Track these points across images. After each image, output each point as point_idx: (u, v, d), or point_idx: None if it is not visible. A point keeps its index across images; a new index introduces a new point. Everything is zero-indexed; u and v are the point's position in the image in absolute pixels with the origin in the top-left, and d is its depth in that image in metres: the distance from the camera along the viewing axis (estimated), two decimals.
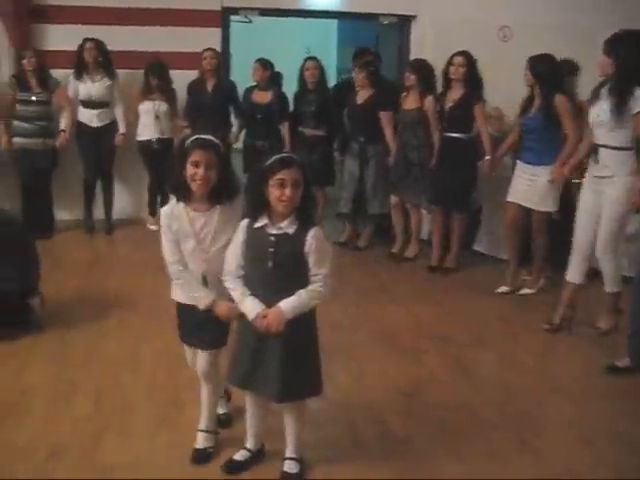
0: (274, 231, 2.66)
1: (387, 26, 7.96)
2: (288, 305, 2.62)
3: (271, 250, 2.63)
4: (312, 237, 2.63)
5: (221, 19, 7.12)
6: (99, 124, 6.61)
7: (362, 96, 6.26)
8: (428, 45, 7.21)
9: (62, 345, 4.23)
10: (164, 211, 2.87)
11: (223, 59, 7.01)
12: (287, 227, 2.65)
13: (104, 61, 6.51)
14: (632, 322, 3.98)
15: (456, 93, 5.65)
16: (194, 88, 6.72)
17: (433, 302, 5.26)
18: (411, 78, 5.93)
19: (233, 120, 6.83)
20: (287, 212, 2.63)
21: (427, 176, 5.93)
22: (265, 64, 6.54)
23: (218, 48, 6.97)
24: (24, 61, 6.37)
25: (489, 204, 6.14)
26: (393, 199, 6.25)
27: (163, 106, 6.63)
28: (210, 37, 6.96)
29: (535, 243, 5.33)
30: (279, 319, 2.61)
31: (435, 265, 6.00)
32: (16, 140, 6.41)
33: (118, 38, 6.62)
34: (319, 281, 2.65)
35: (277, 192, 2.59)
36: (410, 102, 6.00)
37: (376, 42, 8.41)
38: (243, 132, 6.78)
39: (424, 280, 5.84)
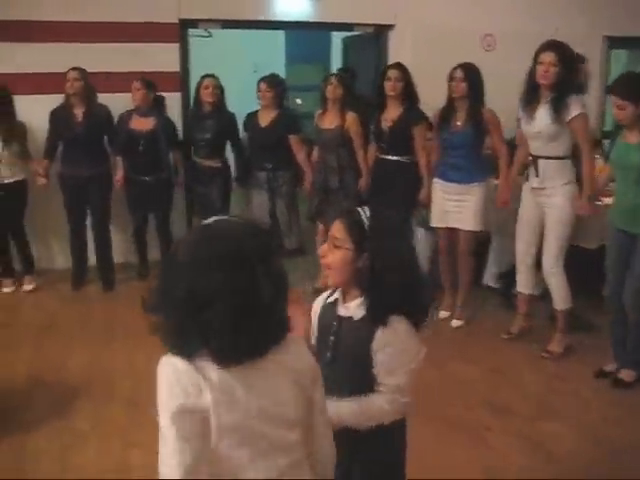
0: (342, 312, 1.99)
1: (354, 38, 7.28)
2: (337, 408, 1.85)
3: (332, 338, 1.98)
4: (386, 333, 1.88)
5: (179, 33, 6.17)
6: None
7: (265, 118, 5.56)
8: (407, 56, 6.51)
9: (20, 459, 3.20)
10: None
11: (181, 78, 6.10)
12: (354, 310, 1.95)
13: None
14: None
15: (394, 111, 5.06)
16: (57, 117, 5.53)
17: (461, 355, 4.48)
18: (332, 90, 5.28)
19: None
20: (331, 283, 1.99)
21: (353, 202, 5.21)
22: (148, 84, 5.58)
23: (176, 65, 6.08)
24: None
25: (498, 236, 5.45)
26: (319, 227, 5.45)
27: None
28: (166, 53, 6.04)
29: (461, 265, 4.98)
30: None
31: None
32: None
33: (62, 57, 5.60)
34: (385, 393, 1.91)
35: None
36: (329, 120, 5.34)
37: (344, 56, 7.67)
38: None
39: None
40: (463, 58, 4.92)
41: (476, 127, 4.66)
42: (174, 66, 6.09)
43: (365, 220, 1.93)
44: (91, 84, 5.44)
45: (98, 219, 5.64)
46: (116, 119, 5.61)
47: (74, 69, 5.37)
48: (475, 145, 4.75)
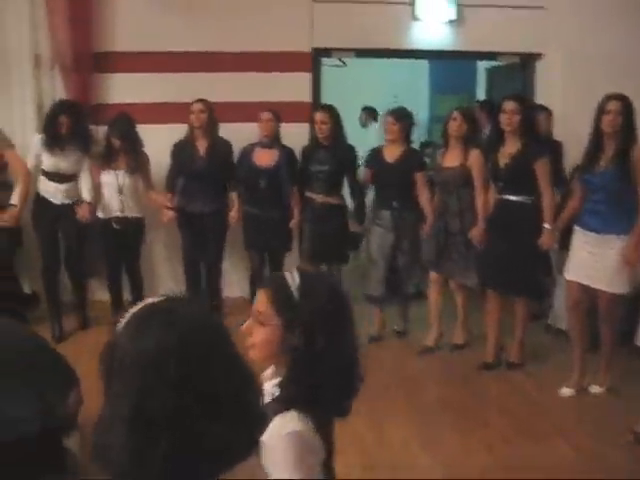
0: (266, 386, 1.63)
1: (499, 68, 6.85)
2: None
3: None
4: (275, 425, 1.49)
5: (311, 62, 5.96)
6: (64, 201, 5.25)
7: (392, 153, 5.10)
8: (556, 87, 5.97)
9: None
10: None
11: (312, 109, 5.74)
12: (271, 389, 1.61)
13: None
14: None
15: (511, 146, 4.52)
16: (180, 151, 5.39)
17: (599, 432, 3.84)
18: (455, 127, 4.84)
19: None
20: (257, 361, 1.58)
21: (474, 249, 4.85)
22: (276, 115, 5.30)
23: (306, 95, 5.86)
24: None
25: None
26: (432, 275, 5.05)
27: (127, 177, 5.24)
28: (297, 83, 5.84)
29: (603, 330, 4.35)
30: None
31: (491, 362, 4.79)
32: None
33: (189, 87, 5.53)
34: None
35: None
36: (450, 158, 4.88)
37: (489, 87, 7.19)
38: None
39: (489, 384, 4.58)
40: (627, 89, 4.33)
41: (622, 167, 4.03)
42: (304, 96, 5.87)
43: (294, 288, 1.55)
44: (215, 117, 5.29)
45: (212, 256, 5.45)
46: (237, 151, 5.42)
47: (199, 101, 5.25)
48: (619, 189, 4.10)
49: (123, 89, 5.73)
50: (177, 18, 5.63)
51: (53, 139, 5.10)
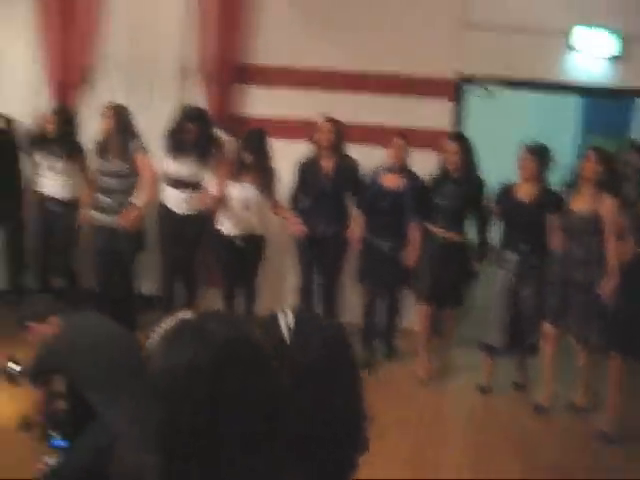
0: None
1: None
2: None
3: None
4: None
5: (455, 89, 5.70)
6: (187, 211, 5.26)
7: (526, 192, 4.68)
8: None
9: None
10: None
11: (463, 142, 5.21)
12: None
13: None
14: None
15: None
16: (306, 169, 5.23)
17: None
18: (589, 168, 4.38)
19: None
20: None
21: (598, 304, 4.38)
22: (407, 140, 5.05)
23: (446, 123, 5.59)
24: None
25: None
26: (547, 328, 4.62)
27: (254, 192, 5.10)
28: (437, 110, 5.59)
29: None
30: None
31: (610, 432, 4.25)
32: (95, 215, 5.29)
33: (320, 104, 5.41)
34: None
35: None
36: (581, 203, 4.49)
37: None
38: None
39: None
40: None
41: None
42: (443, 124, 5.58)
43: (285, 330, 1.27)
44: (343, 136, 5.14)
45: (329, 280, 5.27)
46: (361, 172, 5.23)
47: (328, 120, 5.11)
48: None
49: (259, 102, 5.74)
50: (322, 35, 5.59)
51: (177, 146, 5.14)
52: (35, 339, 3.27)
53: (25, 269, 5.69)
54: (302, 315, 1.33)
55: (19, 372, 3.27)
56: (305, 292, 5.34)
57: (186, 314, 1.09)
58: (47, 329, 3.25)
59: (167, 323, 1.09)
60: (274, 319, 1.31)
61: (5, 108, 5.36)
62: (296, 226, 5.14)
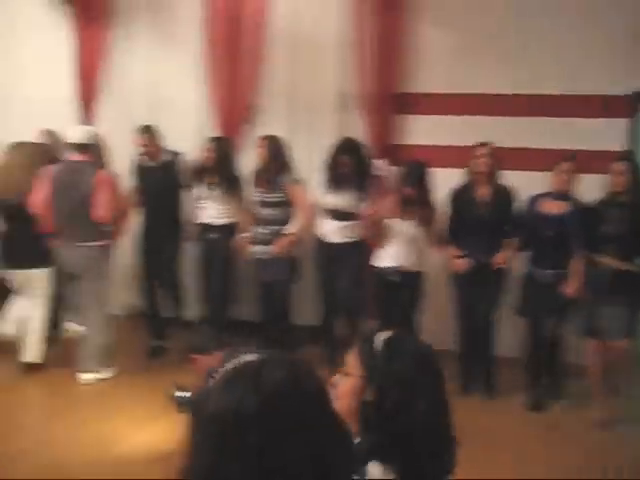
0: None
1: None
2: None
3: None
4: None
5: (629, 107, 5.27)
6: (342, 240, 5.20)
7: None
8: None
9: None
10: None
11: (631, 163, 4.74)
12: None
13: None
14: None
15: None
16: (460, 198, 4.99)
17: None
18: None
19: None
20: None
21: None
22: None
23: (618, 144, 5.19)
24: None
25: None
26: None
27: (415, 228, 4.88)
28: (607, 130, 5.21)
29: None
30: None
31: None
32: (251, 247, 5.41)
33: (485, 131, 5.20)
34: None
35: None
36: None
37: None
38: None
39: None
40: None
41: None
42: (613, 145, 5.14)
43: (377, 346, 1.61)
44: (498, 162, 4.89)
45: (487, 312, 4.99)
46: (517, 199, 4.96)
47: (483, 144, 4.89)
48: None
49: (418, 131, 5.66)
50: (481, 59, 5.43)
51: (334, 178, 5.16)
52: (199, 371, 3.34)
53: (180, 299, 5.86)
54: (397, 333, 1.63)
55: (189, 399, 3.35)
56: (465, 324, 5.10)
57: (250, 356, 1.12)
58: (211, 361, 3.31)
59: (231, 362, 1.12)
60: (373, 334, 1.63)
61: (174, 146, 5.66)
62: (457, 261, 4.94)
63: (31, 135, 5.50)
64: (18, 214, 4.97)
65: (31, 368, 5.13)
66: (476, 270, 4.89)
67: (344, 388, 1.62)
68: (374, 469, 1.53)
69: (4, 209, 5.10)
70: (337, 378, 1.66)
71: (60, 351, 5.32)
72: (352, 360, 1.63)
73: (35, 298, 5.19)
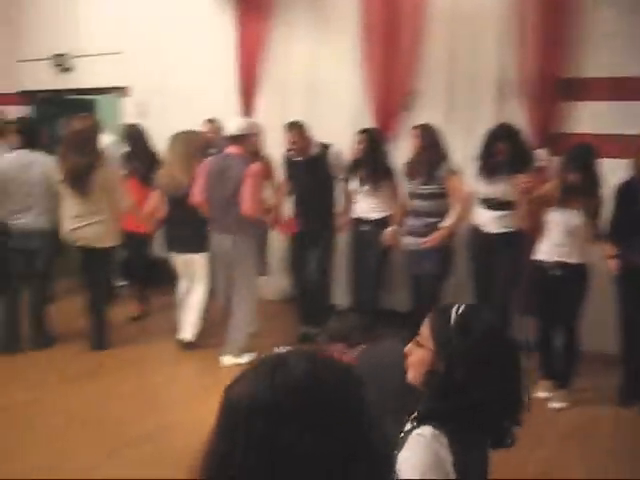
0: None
1: None
2: None
3: None
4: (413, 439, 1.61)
5: None
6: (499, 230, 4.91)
7: None
8: None
9: None
10: None
11: None
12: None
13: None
14: None
15: None
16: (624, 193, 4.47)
17: None
18: None
19: None
20: (410, 380, 1.73)
21: None
22: None
23: None
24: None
25: None
26: None
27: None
28: None
29: None
30: None
31: None
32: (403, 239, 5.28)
33: None
34: None
35: None
36: None
37: None
38: None
39: None
40: None
41: None
42: None
43: (453, 320, 1.65)
44: None
45: None
46: None
47: None
48: None
49: (583, 118, 5.30)
50: None
51: (489, 165, 4.94)
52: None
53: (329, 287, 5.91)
54: (472, 307, 1.68)
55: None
56: (629, 329, 4.68)
57: (282, 349, 1.14)
58: (345, 357, 3.29)
59: (267, 356, 1.13)
60: (448, 308, 1.67)
61: (328, 135, 5.64)
62: (613, 261, 4.55)
63: (193, 125, 5.72)
64: (181, 202, 5.23)
65: (187, 346, 5.44)
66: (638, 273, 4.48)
67: (415, 358, 1.70)
68: (426, 431, 1.59)
69: (168, 197, 5.39)
70: (411, 347, 1.72)
71: (214, 331, 5.54)
72: (425, 332, 1.68)
73: (195, 281, 5.47)
